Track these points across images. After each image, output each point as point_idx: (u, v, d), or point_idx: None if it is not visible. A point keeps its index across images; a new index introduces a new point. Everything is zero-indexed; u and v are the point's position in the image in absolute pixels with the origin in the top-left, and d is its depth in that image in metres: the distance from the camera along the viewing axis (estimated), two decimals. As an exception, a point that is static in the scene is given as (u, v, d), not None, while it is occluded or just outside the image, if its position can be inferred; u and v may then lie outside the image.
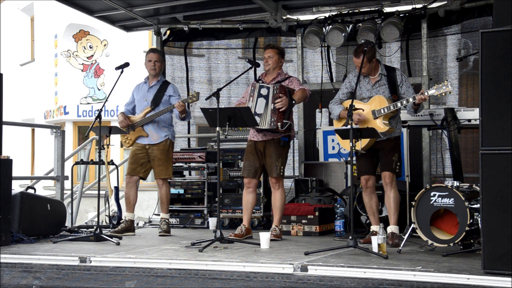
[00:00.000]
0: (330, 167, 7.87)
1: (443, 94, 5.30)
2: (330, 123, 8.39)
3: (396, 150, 5.71)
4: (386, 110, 5.55)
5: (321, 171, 7.88)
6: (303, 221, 6.66)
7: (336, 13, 8.10)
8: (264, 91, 5.96)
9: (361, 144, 5.57)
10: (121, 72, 6.39)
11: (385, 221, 6.22)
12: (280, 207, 6.17)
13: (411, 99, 5.42)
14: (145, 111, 6.69)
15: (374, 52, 5.80)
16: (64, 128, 14.81)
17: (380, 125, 5.59)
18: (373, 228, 5.82)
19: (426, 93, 5.33)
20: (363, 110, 5.68)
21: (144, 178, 6.87)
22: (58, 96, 17.59)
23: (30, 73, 19.02)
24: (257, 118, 5.91)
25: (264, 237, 5.43)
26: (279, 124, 5.91)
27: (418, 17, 7.77)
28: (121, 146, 7.06)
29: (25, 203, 6.12)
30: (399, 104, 5.50)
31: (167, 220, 6.79)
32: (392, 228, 5.65)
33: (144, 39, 16.95)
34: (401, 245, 5.13)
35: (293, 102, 6.00)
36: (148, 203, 13.74)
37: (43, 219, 6.36)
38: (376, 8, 7.90)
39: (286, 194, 8.08)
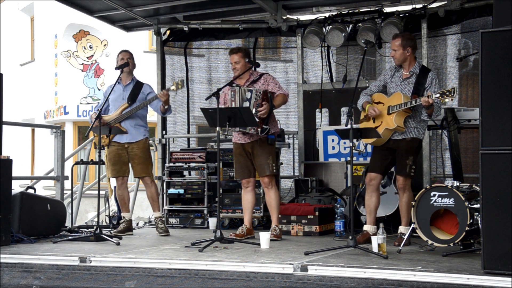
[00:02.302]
0: (330, 167, 7.87)
1: (446, 101, 5.28)
2: (330, 123, 8.39)
3: (411, 153, 5.61)
4: (397, 108, 5.53)
5: (321, 171, 7.88)
6: (303, 221, 6.66)
7: (336, 13, 8.10)
8: (248, 95, 5.94)
9: (372, 138, 5.63)
10: (121, 72, 6.39)
11: (384, 221, 6.23)
12: (276, 206, 6.16)
13: (418, 100, 5.38)
14: (122, 107, 6.64)
15: (413, 43, 5.70)
16: (64, 128, 14.81)
17: (390, 122, 5.57)
18: (365, 227, 5.80)
19: (431, 96, 5.26)
20: (383, 104, 5.68)
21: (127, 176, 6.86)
22: (58, 96, 17.59)
23: (30, 73, 19.02)
24: None
25: (264, 237, 5.43)
26: (259, 129, 5.92)
27: (418, 17, 7.77)
28: (95, 147, 6.56)
29: (25, 203, 6.12)
30: (409, 104, 5.46)
31: (162, 219, 6.77)
32: (402, 229, 5.65)
33: (144, 39, 16.96)
34: (401, 245, 5.13)
35: (273, 108, 6.03)
36: (148, 203, 13.73)
37: (43, 219, 6.36)
38: (376, 8, 7.90)
39: (286, 194, 8.13)
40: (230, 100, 6.04)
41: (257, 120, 5.85)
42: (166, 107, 6.52)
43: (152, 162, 6.84)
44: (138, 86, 6.73)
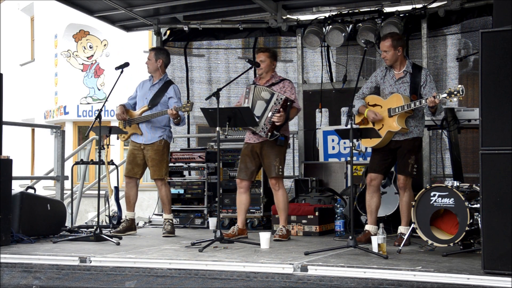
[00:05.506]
0: (330, 167, 7.86)
1: (455, 99, 5.26)
2: (330, 123, 8.39)
3: (413, 152, 5.63)
4: (400, 110, 5.50)
5: (321, 171, 7.88)
6: (303, 221, 6.66)
7: (336, 13, 8.10)
8: (266, 95, 5.95)
9: (373, 142, 5.60)
10: (121, 72, 6.39)
11: (384, 221, 6.24)
12: (284, 207, 6.16)
13: (423, 101, 5.36)
14: (142, 109, 6.63)
15: (403, 42, 5.72)
16: (64, 128, 14.82)
17: (393, 124, 5.55)
18: (367, 227, 5.81)
19: (438, 97, 5.24)
20: (381, 107, 5.66)
21: (139, 178, 6.84)
22: (58, 96, 17.60)
23: (30, 73, 19.03)
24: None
25: (264, 237, 5.43)
26: (269, 133, 5.93)
27: (418, 17, 7.77)
28: (117, 138, 6.91)
29: (25, 203, 6.12)
30: (412, 105, 5.44)
31: (170, 221, 6.70)
32: (401, 229, 5.65)
33: (144, 39, 16.96)
34: (401, 245, 5.13)
35: (288, 119, 6.03)
36: (148, 203, 13.75)
37: (43, 219, 6.36)
38: (376, 8, 7.90)
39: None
40: (244, 97, 6.06)
41: (269, 124, 5.87)
42: (175, 120, 6.47)
43: (168, 164, 6.77)
44: (164, 87, 6.64)
